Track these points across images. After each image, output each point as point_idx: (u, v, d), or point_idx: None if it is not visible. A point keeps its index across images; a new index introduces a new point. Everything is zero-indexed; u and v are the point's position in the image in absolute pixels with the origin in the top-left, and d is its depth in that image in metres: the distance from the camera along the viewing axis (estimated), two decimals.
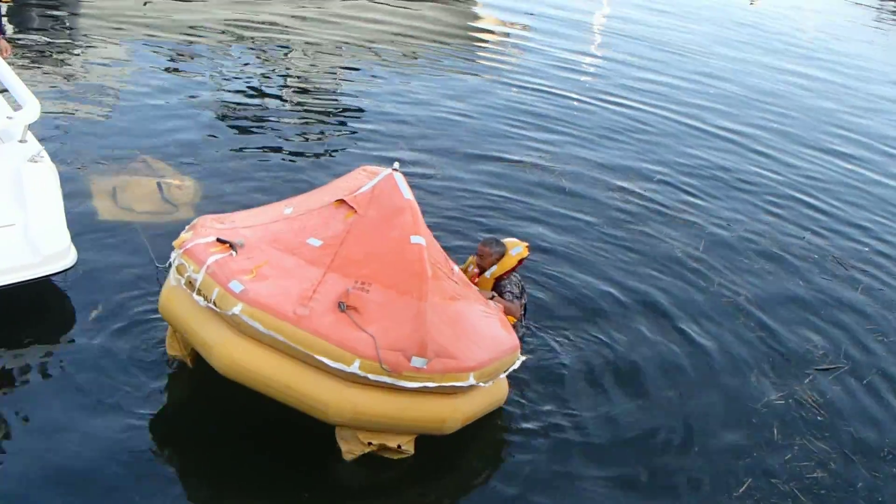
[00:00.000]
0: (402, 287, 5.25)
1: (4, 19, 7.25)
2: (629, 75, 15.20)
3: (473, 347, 5.36)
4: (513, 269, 6.62)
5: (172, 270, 5.52)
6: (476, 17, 17.69)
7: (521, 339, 6.13)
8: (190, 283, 5.32)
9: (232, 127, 10.16)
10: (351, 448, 5.33)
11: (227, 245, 5.34)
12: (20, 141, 6.55)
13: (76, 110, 9.75)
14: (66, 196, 6.69)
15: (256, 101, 11.15)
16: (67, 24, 13.19)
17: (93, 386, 5.73)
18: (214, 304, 5.12)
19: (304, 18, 15.13)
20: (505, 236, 7.01)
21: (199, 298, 5.21)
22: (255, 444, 5.47)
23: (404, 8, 16.91)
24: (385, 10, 16.57)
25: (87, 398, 5.63)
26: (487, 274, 6.59)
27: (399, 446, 5.34)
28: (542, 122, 12.06)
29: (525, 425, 6.10)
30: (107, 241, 7.19)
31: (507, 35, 16.87)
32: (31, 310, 6.29)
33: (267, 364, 5.09)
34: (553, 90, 13.58)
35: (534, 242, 7.64)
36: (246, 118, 10.49)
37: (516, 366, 5.82)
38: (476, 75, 13.85)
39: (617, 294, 7.84)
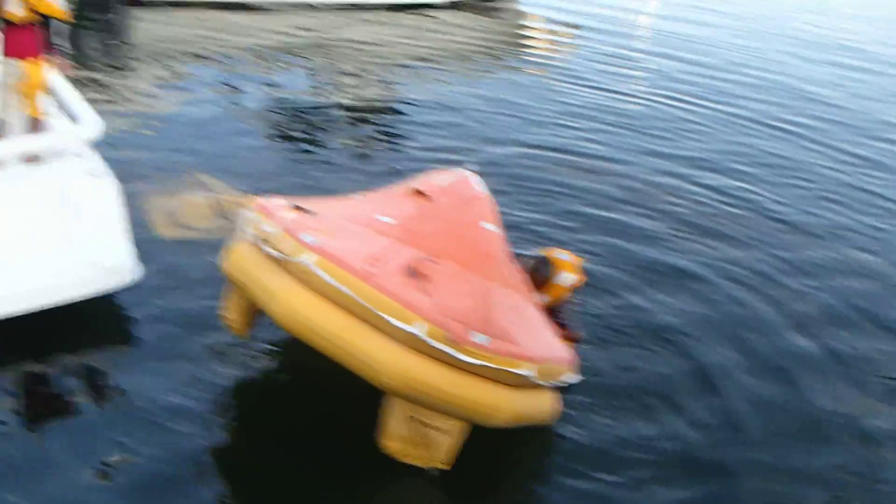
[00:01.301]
0: (471, 264, 5.22)
1: (61, 35, 7.30)
2: (681, 72, 15.00)
3: (534, 341, 5.24)
4: (566, 297, 6.24)
5: (242, 228, 5.54)
6: (524, 25, 17.62)
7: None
8: (261, 237, 5.31)
9: (285, 141, 10.18)
10: (392, 425, 5.11)
11: (301, 210, 5.42)
12: (81, 156, 6.58)
13: (132, 128, 9.85)
14: (127, 213, 6.72)
15: (309, 114, 11.17)
16: (122, 45, 13.42)
17: (154, 396, 5.73)
18: (285, 253, 5.10)
19: (352, 33, 15.18)
20: (565, 247, 6.77)
21: (270, 250, 5.20)
22: (310, 456, 5.41)
23: (451, 20, 16.87)
24: (432, 22, 16.56)
25: (150, 408, 5.63)
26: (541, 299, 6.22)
27: (440, 429, 5.09)
28: (597, 122, 11.97)
29: (580, 442, 5.86)
30: (166, 258, 7.20)
31: (556, 39, 16.75)
32: (96, 324, 6.31)
33: (327, 316, 4.99)
34: (607, 89, 13.50)
35: (593, 246, 7.51)
36: (299, 132, 10.51)
37: (571, 380, 5.64)
38: (528, 79, 13.77)
39: (684, 304, 7.61)
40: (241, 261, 5.49)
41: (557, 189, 9.61)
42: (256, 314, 5.75)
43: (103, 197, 6.37)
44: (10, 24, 6.79)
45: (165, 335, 6.32)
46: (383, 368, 4.87)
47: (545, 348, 5.33)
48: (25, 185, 6.30)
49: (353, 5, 16.17)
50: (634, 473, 5.62)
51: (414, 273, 5.01)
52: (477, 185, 5.70)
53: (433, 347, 4.81)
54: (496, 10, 17.92)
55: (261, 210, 5.47)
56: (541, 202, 9.21)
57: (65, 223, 6.24)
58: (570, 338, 6.09)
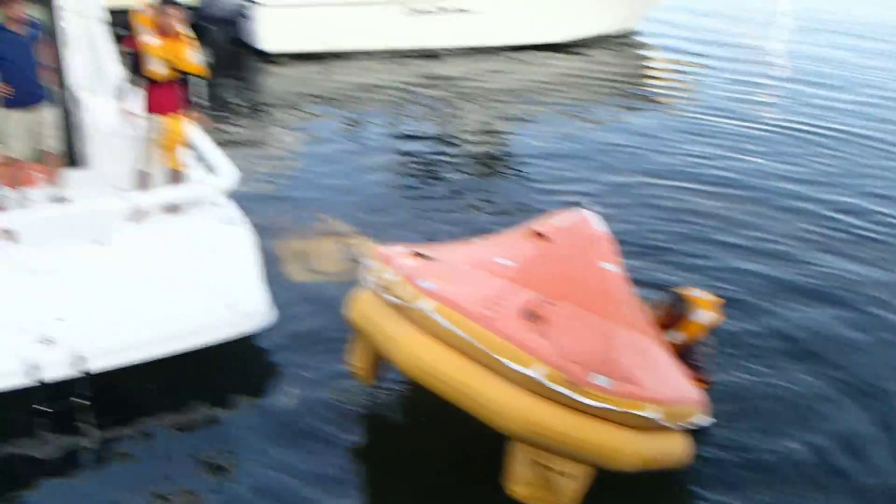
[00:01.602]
0: (591, 305, 5.14)
1: (200, 91, 7.66)
2: (810, 95, 14.45)
3: (659, 382, 5.07)
4: (701, 336, 6.00)
5: (364, 276, 5.65)
6: (647, 58, 17.36)
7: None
8: (382, 284, 5.40)
9: (413, 184, 10.32)
10: (517, 469, 5.02)
11: (421, 256, 5.50)
12: (219, 205, 6.84)
13: (265, 176, 10.21)
14: (261, 259, 6.94)
15: (432, 156, 11.30)
16: (255, 97, 14.02)
17: (289, 435, 5.87)
18: (404, 300, 5.17)
19: (475, 74, 15.33)
20: (697, 285, 6.53)
21: (390, 297, 5.29)
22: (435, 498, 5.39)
23: (572, 57, 16.80)
24: (554, 60, 16.53)
25: (285, 446, 5.78)
26: (673, 338, 5.96)
27: (564, 473, 4.95)
28: (724, 148, 11.68)
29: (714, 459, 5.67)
30: (300, 302, 7.37)
31: (681, 70, 16.40)
32: (233, 366, 6.49)
33: (447, 362, 5.02)
34: (733, 116, 13.16)
35: (723, 272, 7.28)
36: (427, 175, 10.63)
37: (702, 423, 5.38)
38: (654, 111, 13.51)
39: (820, 327, 7.34)
40: (363, 308, 5.60)
41: (688, 217, 9.49)
42: (381, 361, 5.80)
43: (239, 244, 6.58)
44: (152, 82, 7.19)
45: (297, 375, 6.46)
46: (504, 412, 4.83)
47: (672, 389, 5.14)
48: (168, 235, 6.59)
49: (475, 49, 16.36)
50: (773, 494, 5.45)
51: (532, 315, 4.97)
52: (597, 224, 5.61)
53: (552, 390, 4.74)
54: (618, 45, 17.74)
55: (381, 258, 5.57)
56: (670, 229, 9.15)
57: (204, 270, 6.46)
58: (701, 380, 5.83)
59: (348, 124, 12.48)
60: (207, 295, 6.36)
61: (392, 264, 5.44)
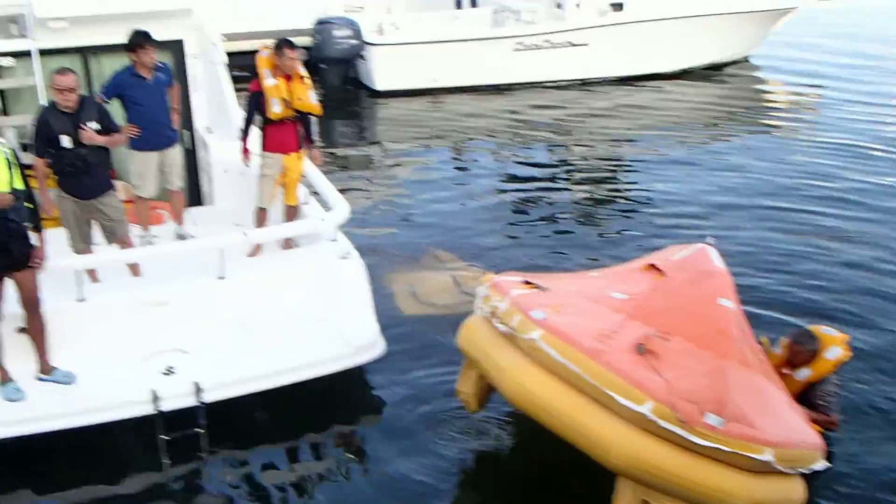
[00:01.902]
0: (705, 342, 5.02)
1: (314, 130, 7.91)
2: None
3: (774, 424, 4.87)
4: (829, 372, 5.79)
5: (476, 304, 5.69)
6: (760, 89, 16.88)
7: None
8: (493, 312, 5.41)
9: (520, 216, 10.30)
10: None
11: (533, 285, 5.48)
12: (332, 240, 7.00)
13: (376, 209, 10.41)
14: (371, 291, 7.05)
15: (541, 187, 11.27)
16: (365, 131, 14.35)
17: (398, 463, 5.94)
18: (514, 329, 5.16)
19: (582, 107, 15.26)
20: (824, 322, 6.29)
21: (500, 325, 5.29)
22: None
23: (680, 89, 16.50)
24: (661, 92, 16.28)
25: (395, 474, 5.85)
26: (799, 375, 5.83)
27: None
28: (843, 181, 11.19)
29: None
30: (412, 335, 7.45)
31: (796, 100, 15.86)
32: (343, 396, 6.60)
33: (555, 394, 4.97)
34: (851, 146, 12.62)
35: (849, 313, 6.94)
36: (532, 205, 10.60)
37: (818, 467, 5.12)
38: (767, 142, 13.09)
39: None
40: (474, 336, 5.61)
41: (810, 237, 9.35)
42: (489, 390, 5.79)
43: (352, 278, 6.72)
44: (270, 122, 7.45)
45: (406, 407, 6.52)
46: (612, 448, 4.74)
47: (787, 432, 4.94)
48: (284, 269, 6.79)
49: (581, 81, 16.30)
50: None
51: (644, 351, 4.88)
52: (716, 259, 5.52)
53: (663, 429, 4.63)
54: (728, 75, 17.33)
55: (493, 286, 5.58)
56: (791, 248, 9.07)
57: (318, 304, 6.62)
58: (824, 422, 5.63)
59: (457, 158, 12.61)
60: (321, 328, 6.51)
61: (503, 292, 5.45)
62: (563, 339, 4.97)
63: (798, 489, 5.07)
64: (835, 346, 5.79)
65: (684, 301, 5.26)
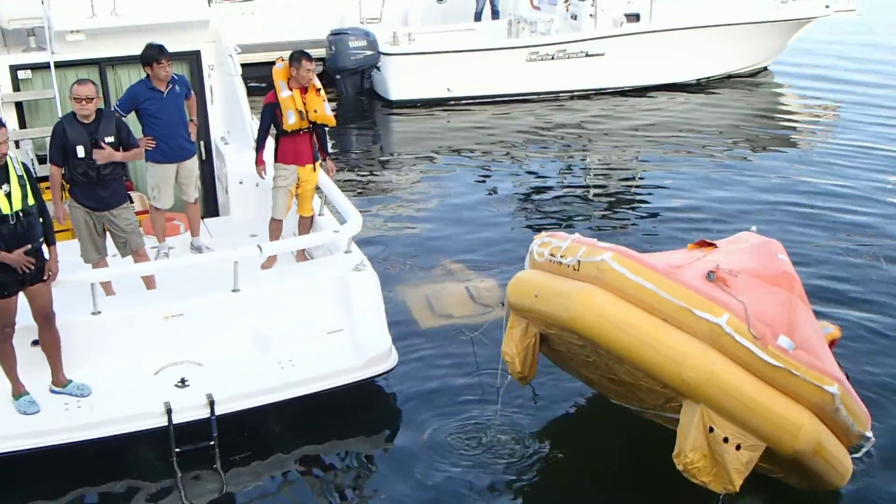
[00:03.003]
0: (773, 280, 5.14)
1: (329, 141, 7.91)
2: None
3: (835, 368, 4.91)
4: None
5: (527, 259, 5.69)
6: (780, 99, 16.78)
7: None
8: (553, 253, 5.35)
9: (530, 226, 10.27)
10: (690, 435, 4.77)
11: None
12: (346, 252, 6.99)
13: (390, 221, 10.40)
14: (386, 303, 7.05)
15: (557, 197, 11.22)
16: (379, 141, 14.37)
17: (414, 476, 5.90)
18: (581, 257, 5.10)
19: (602, 118, 15.21)
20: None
21: (564, 259, 5.23)
22: None
23: (702, 98, 16.42)
24: (682, 102, 16.21)
25: (410, 486, 5.82)
26: None
27: (739, 445, 4.72)
28: (865, 189, 11.09)
29: None
30: (430, 347, 7.46)
31: (820, 112, 15.75)
32: (359, 408, 6.58)
33: (626, 310, 4.87)
34: (875, 158, 12.50)
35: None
36: (545, 217, 10.56)
37: (866, 445, 5.15)
38: (784, 154, 13.00)
39: None
40: (525, 283, 5.52)
41: (835, 249, 9.35)
42: (534, 349, 5.74)
43: (366, 290, 6.70)
44: (285, 133, 7.46)
45: (420, 417, 6.50)
46: (686, 360, 4.65)
47: (847, 382, 4.97)
48: (299, 281, 6.78)
49: (597, 91, 16.26)
50: None
51: (714, 278, 4.90)
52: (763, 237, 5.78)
53: (737, 342, 4.59)
54: (747, 85, 17.25)
55: (550, 235, 5.60)
56: (820, 260, 9.13)
57: (333, 316, 6.61)
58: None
59: (471, 168, 12.59)
60: (334, 340, 6.50)
61: (560, 237, 5.48)
62: (635, 259, 4.98)
63: (848, 464, 5.08)
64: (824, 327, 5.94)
65: (747, 253, 5.42)
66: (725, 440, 4.72)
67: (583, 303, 4.95)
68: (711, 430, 4.75)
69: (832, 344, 5.99)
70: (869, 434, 5.11)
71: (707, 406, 4.73)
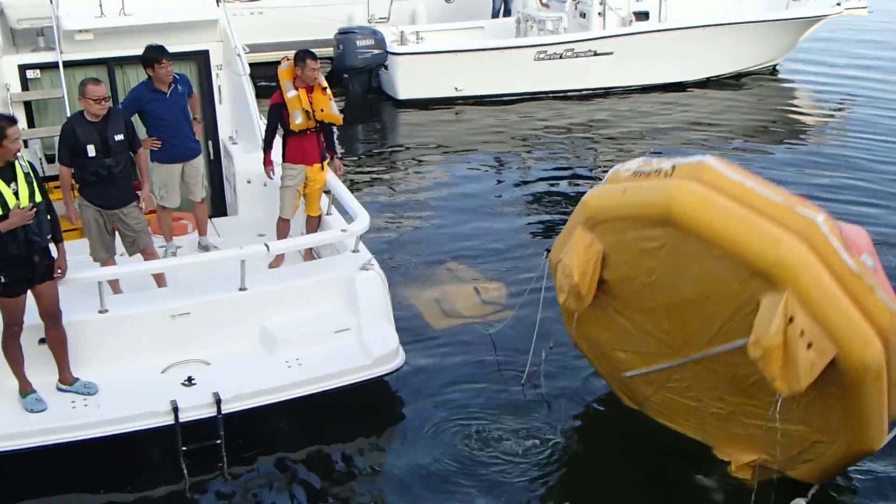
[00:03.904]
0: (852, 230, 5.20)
1: (336, 140, 7.91)
2: None
3: None
4: None
5: (605, 179, 5.78)
6: (789, 98, 16.70)
7: None
8: (642, 164, 5.48)
9: (538, 226, 10.26)
10: (769, 325, 4.79)
11: None
12: (353, 251, 6.99)
13: (394, 220, 10.40)
14: (395, 304, 7.05)
15: (564, 197, 11.20)
16: (387, 141, 14.36)
17: (420, 476, 5.92)
18: (675, 164, 5.24)
19: (603, 113, 15.18)
20: None
21: (658, 165, 5.32)
22: None
23: (706, 96, 16.36)
24: (685, 100, 16.15)
25: (418, 486, 5.83)
26: None
27: (811, 344, 4.76)
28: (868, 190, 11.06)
29: None
30: (439, 347, 7.47)
31: (825, 109, 15.69)
32: (367, 407, 6.58)
33: (725, 199, 4.96)
34: (885, 154, 12.46)
35: None
36: (553, 217, 10.53)
37: None
38: (794, 152, 12.93)
39: None
40: (613, 187, 5.57)
41: None
42: (598, 271, 5.70)
43: (373, 289, 6.70)
44: (292, 132, 7.46)
45: (426, 417, 6.51)
46: (784, 242, 4.76)
47: None
48: (306, 281, 6.79)
49: (606, 90, 16.22)
50: None
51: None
52: None
53: (829, 243, 4.77)
54: (755, 84, 17.17)
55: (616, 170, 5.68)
56: None
57: (340, 315, 6.62)
58: None
59: (479, 168, 12.56)
60: (341, 339, 6.49)
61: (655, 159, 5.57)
62: (731, 164, 5.13)
63: (886, 426, 5.19)
64: None
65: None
66: (802, 333, 4.75)
67: (683, 189, 5.05)
68: (792, 320, 4.77)
69: None
70: None
71: (793, 293, 4.75)
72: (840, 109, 15.53)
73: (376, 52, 15.53)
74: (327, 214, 7.78)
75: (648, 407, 6.28)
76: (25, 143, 8.13)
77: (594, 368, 6.61)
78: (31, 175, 5.63)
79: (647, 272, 5.52)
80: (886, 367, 4.88)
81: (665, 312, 5.62)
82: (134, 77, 8.40)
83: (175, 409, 5.80)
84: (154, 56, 7.37)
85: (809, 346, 4.75)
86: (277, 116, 7.44)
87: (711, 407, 5.81)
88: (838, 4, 16.90)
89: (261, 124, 8.38)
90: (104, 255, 6.91)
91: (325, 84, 7.50)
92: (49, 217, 5.79)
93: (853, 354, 4.76)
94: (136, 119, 7.41)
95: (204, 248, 8.02)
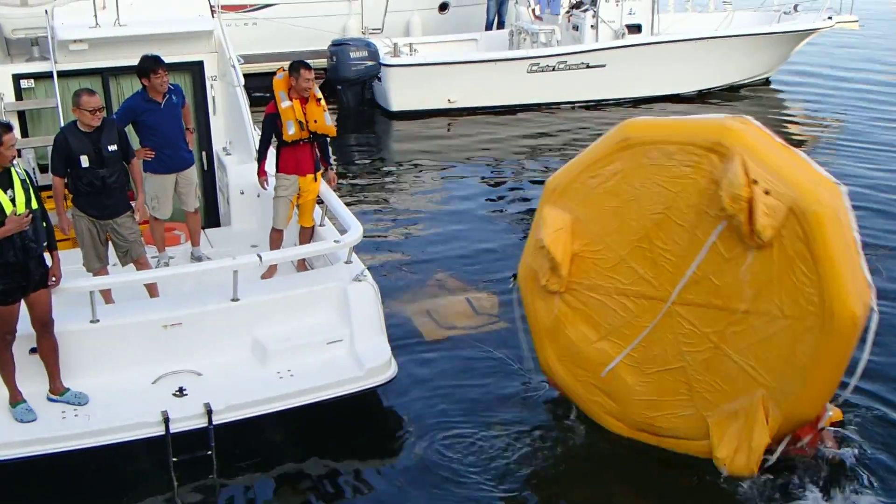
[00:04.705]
0: None
1: (329, 151, 7.92)
2: None
3: None
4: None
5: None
6: (781, 111, 16.80)
7: None
8: None
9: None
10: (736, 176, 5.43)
11: None
12: (346, 262, 7.00)
13: (387, 230, 10.42)
14: (388, 315, 7.05)
15: None
16: (380, 152, 14.39)
17: (413, 487, 5.92)
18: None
19: (595, 126, 15.22)
20: None
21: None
22: None
23: (699, 105, 16.44)
24: (682, 114, 16.23)
25: (410, 498, 5.84)
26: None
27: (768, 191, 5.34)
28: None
29: None
30: (433, 358, 7.49)
31: (817, 122, 15.78)
32: (359, 418, 6.59)
33: None
34: (876, 163, 12.59)
35: None
36: None
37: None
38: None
39: None
40: (564, 167, 6.36)
41: None
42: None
43: (366, 300, 6.70)
44: (286, 143, 7.47)
45: (418, 428, 6.51)
46: (724, 122, 5.71)
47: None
48: (299, 291, 6.79)
49: (598, 102, 16.29)
50: None
51: None
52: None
53: (761, 127, 5.74)
54: (748, 97, 17.27)
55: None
56: None
57: (332, 326, 6.62)
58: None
59: (473, 179, 12.60)
60: (334, 351, 6.49)
61: None
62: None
63: (862, 289, 5.51)
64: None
65: None
66: (755, 181, 5.33)
67: (629, 121, 6.08)
68: (755, 181, 5.33)
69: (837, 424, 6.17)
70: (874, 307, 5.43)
71: (744, 150, 5.44)
72: (830, 123, 15.60)
73: (370, 63, 15.58)
74: (320, 225, 7.78)
75: (635, 409, 6.19)
76: (19, 152, 8.11)
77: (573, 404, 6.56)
78: (28, 182, 5.64)
79: (613, 213, 5.99)
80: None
81: (638, 254, 5.94)
82: (128, 87, 8.41)
83: (166, 420, 5.78)
84: (150, 66, 7.37)
85: (767, 192, 5.34)
86: (271, 127, 7.45)
87: (695, 358, 5.87)
88: (830, 18, 17.03)
89: (255, 135, 8.39)
90: (97, 265, 6.90)
91: (319, 95, 7.51)
92: (45, 225, 5.79)
93: (807, 196, 5.31)
94: (129, 129, 7.41)
95: (196, 258, 8.01)
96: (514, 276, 6.64)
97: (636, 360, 6.09)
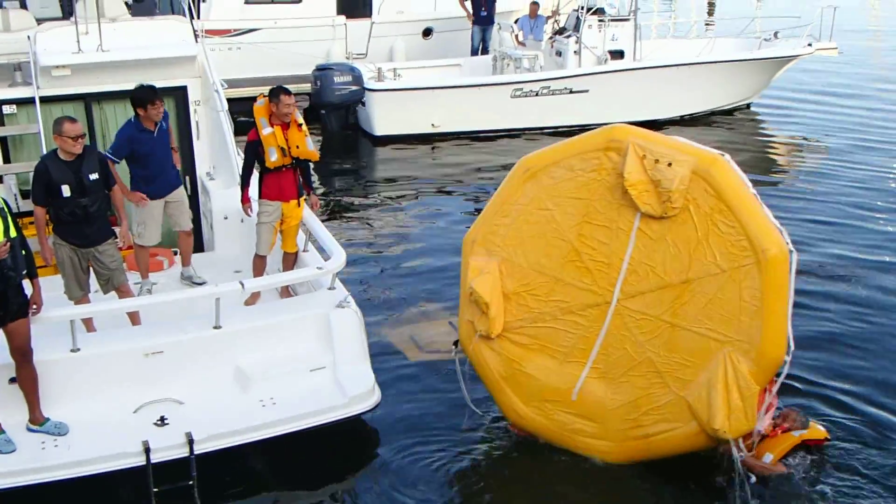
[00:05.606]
0: None
1: (312, 176, 7.91)
2: None
3: None
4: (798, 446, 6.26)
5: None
6: (763, 136, 16.96)
7: None
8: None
9: None
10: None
11: None
12: (329, 288, 6.98)
13: (370, 256, 10.40)
14: (370, 340, 7.02)
15: None
16: (364, 177, 14.40)
17: None
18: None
19: None
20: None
21: None
22: None
23: (685, 135, 16.57)
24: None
25: None
26: (795, 433, 6.29)
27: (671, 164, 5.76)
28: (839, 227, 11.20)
29: None
30: (415, 382, 7.47)
31: (799, 147, 15.94)
32: (342, 446, 6.53)
33: None
34: (860, 191, 12.70)
35: None
36: None
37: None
38: (768, 189, 13.10)
39: None
40: (478, 218, 6.58)
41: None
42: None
43: (349, 327, 6.68)
44: (268, 170, 7.45)
45: (402, 455, 6.49)
46: (612, 127, 6.14)
47: None
48: (281, 318, 6.75)
49: (581, 127, 16.36)
50: None
51: None
52: None
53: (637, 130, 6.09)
54: (730, 122, 17.44)
55: None
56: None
57: (315, 353, 6.59)
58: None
59: (456, 204, 12.63)
60: (317, 378, 6.46)
61: None
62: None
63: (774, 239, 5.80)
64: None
65: None
66: (657, 161, 5.75)
67: (526, 156, 6.52)
68: (644, 156, 5.78)
69: (818, 443, 6.37)
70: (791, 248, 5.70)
71: (633, 137, 5.91)
72: (812, 150, 15.76)
73: (354, 88, 15.61)
74: (304, 251, 7.77)
75: (616, 419, 6.12)
76: (0, 178, 8.07)
77: (549, 444, 6.50)
78: (6, 210, 5.59)
79: (536, 240, 6.23)
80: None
81: (572, 269, 6.12)
82: (111, 113, 8.40)
83: (147, 450, 5.72)
84: (147, 97, 7.35)
85: (670, 164, 5.69)
86: (254, 153, 7.44)
87: (655, 344, 5.94)
88: (809, 45, 17.26)
89: (238, 160, 8.37)
90: (79, 294, 6.85)
91: (300, 120, 7.51)
92: (24, 252, 5.74)
93: (705, 157, 5.74)
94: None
95: (187, 279, 7.97)
96: (456, 342, 6.72)
97: (602, 371, 6.12)
